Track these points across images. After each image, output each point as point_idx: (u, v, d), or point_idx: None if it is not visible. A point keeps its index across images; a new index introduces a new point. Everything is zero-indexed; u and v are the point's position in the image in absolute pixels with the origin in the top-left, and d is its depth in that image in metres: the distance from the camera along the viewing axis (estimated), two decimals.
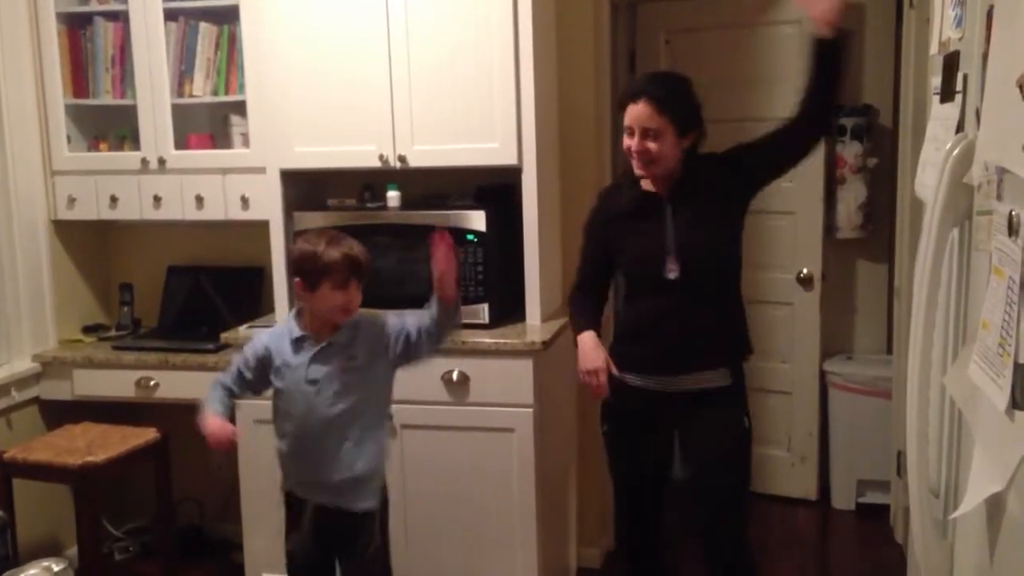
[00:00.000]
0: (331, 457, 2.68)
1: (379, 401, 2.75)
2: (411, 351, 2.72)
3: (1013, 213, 1.25)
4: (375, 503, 2.77)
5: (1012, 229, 1.25)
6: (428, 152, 3.29)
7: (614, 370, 2.64)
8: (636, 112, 2.55)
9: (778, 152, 2.65)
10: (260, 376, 2.73)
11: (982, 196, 1.46)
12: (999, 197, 1.35)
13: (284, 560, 2.89)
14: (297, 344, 2.68)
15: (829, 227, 4.27)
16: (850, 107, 4.22)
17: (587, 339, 2.70)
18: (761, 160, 2.65)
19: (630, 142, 2.57)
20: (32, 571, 3.25)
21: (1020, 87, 1.23)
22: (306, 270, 2.60)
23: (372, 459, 2.73)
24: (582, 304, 2.83)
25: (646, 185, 2.67)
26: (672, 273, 2.57)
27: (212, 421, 2.62)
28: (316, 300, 2.62)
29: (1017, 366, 1.22)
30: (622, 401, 2.72)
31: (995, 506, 1.34)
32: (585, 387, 2.72)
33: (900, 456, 3.69)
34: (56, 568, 3.30)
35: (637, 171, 2.62)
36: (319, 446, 2.69)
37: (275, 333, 2.78)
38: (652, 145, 2.54)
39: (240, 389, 2.75)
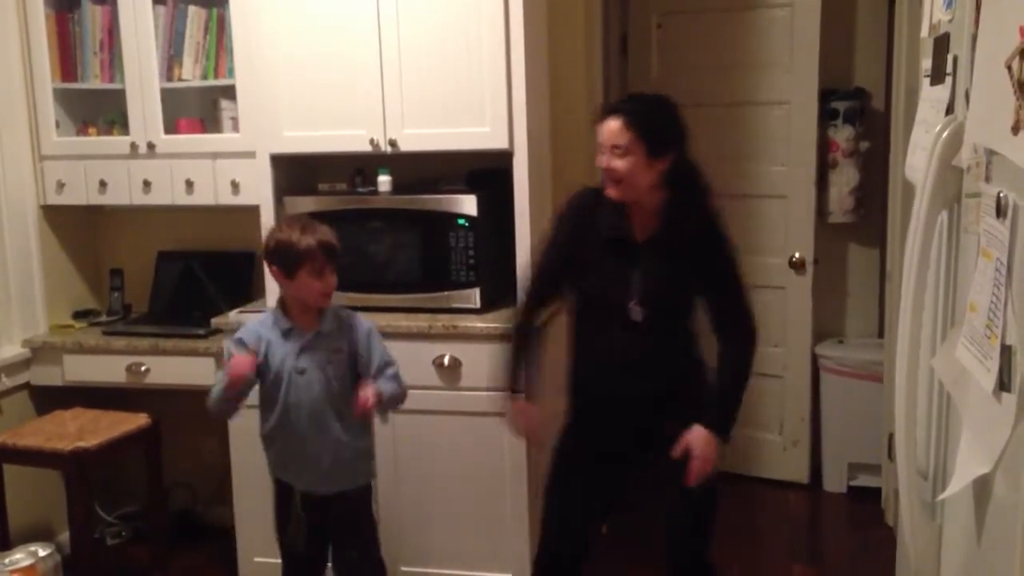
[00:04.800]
0: (322, 443, 2.75)
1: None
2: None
3: (1001, 195, 1.25)
4: (366, 481, 2.87)
5: (1000, 211, 1.25)
6: (419, 136, 3.28)
7: (543, 422, 2.69)
8: (606, 128, 2.46)
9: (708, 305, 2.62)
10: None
11: (971, 178, 1.46)
12: (988, 179, 1.35)
13: (277, 547, 2.91)
14: (285, 335, 2.75)
15: (821, 211, 4.27)
16: (842, 91, 4.21)
17: (517, 408, 2.71)
18: (706, 286, 2.58)
19: (601, 161, 2.48)
20: (18, 555, 3.25)
21: (1009, 68, 1.23)
22: (283, 259, 2.68)
23: (361, 440, 2.85)
24: (522, 341, 2.71)
25: (628, 214, 2.54)
26: (637, 316, 2.52)
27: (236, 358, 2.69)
28: (296, 287, 2.71)
29: (1004, 348, 1.22)
30: (580, 428, 2.70)
31: (982, 488, 1.34)
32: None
33: (891, 439, 3.70)
34: (42, 553, 3.29)
35: (607, 191, 2.50)
36: (310, 433, 2.75)
37: (263, 323, 2.81)
38: (618, 163, 2.42)
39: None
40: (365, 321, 2.90)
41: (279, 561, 3.00)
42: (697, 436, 2.51)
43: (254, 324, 2.84)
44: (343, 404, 2.76)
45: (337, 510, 2.82)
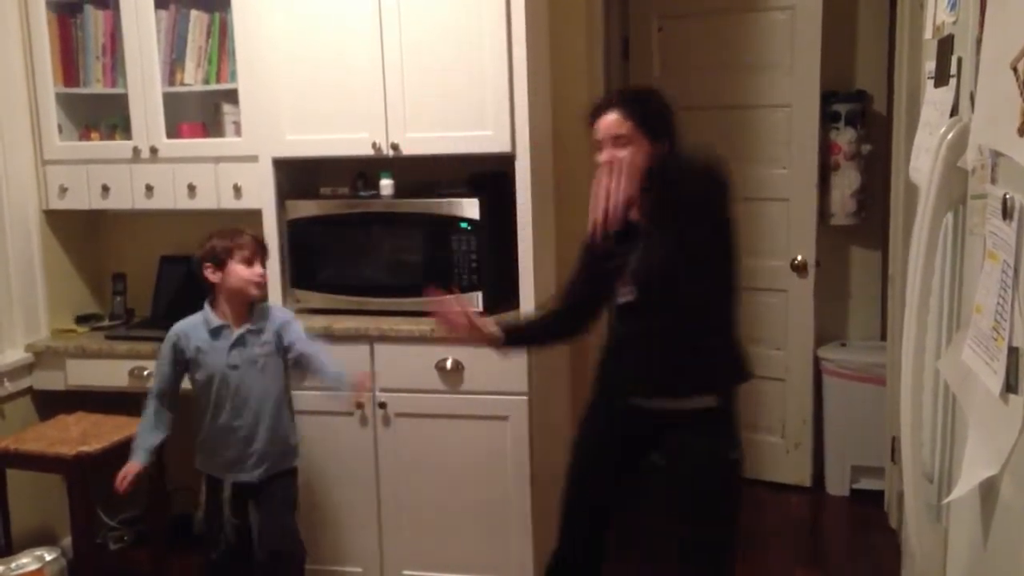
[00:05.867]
0: (255, 432, 3.00)
1: (286, 375, 3.08)
2: (294, 365, 3.08)
3: (1007, 197, 1.25)
4: (292, 465, 3.11)
5: (1006, 213, 1.25)
6: (421, 140, 3.28)
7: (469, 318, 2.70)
8: (603, 123, 2.49)
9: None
10: (182, 367, 3.04)
11: (976, 180, 1.46)
12: (993, 181, 1.35)
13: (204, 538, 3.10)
14: (215, 333, 2.98)
15: (823, 214, 4.26)
16: (844, 93, 4.21)
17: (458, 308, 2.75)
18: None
19: (602, 156, 2.48)
20: (23, 560, 3.26)
21: (1014, 70, 1.23)
22: (213, 254, 2.95)
23: (291, 429, 3.11)
24: (540, 312, 2.86)
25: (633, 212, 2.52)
26: (626, 297, 2.53)
27: (126, 468, 3.02)
28: (228, 278, 2.95)
29: (1011, 350, 1.22)
30: (589, 418, 2.73)
31: (989, 491, 1.34)
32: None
33: (894, 442, 3.70)
34: (48, 557, 3.30)
35: None
36: (244, 425, 2.99)
37: (189, 323, 3.02)
38: (623, 153, 2.45)
39: (173, 383, 3.06)
40: (281, 309, 3.20)
41: None
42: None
43: (178, 326, 3.04)
44: (275, 394, 3.02)
45: (268, 489, 3.02)
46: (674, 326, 2.51)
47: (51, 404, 3.64)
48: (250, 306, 3.02)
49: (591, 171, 3.62)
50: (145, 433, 3.05)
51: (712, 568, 2.55)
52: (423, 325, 3.22)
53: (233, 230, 3.00)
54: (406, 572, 3.35)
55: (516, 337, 2.81)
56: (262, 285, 3.01)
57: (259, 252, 2.99)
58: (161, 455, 3.48)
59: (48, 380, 3.64)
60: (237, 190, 3.51)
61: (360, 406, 3.21)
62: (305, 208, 3.42)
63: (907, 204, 3.51)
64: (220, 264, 2.95)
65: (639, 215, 2.53)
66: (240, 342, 2.98)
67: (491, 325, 2.75)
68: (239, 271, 2.95)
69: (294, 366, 3.07)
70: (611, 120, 2.49)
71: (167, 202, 3.61)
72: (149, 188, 3.60)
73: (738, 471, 2.58)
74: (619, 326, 2.66)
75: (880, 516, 3.98)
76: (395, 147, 3.30)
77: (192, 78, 3.57)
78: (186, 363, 3.02)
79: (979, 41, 1.46)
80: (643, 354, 2.57)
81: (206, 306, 3.02)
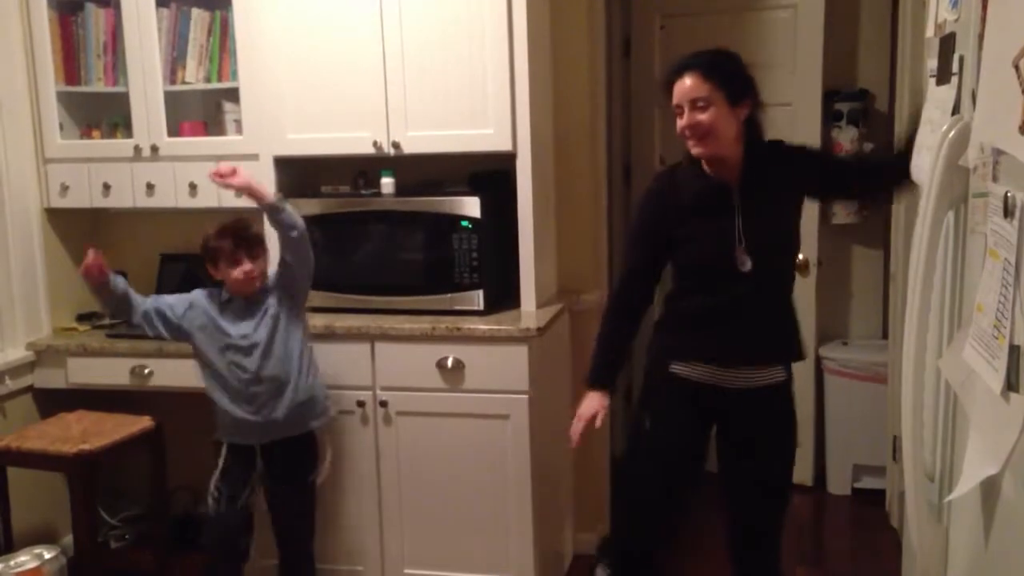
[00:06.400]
0: (273, 396, 3.01)
1: (298, 336, 3.09)
2: (286, 263, 3.07)
3: (1009, 195, 1.25)
4: (324, 419, 3.16)
5: (1008, 211, 1.25)
6: (422, 138, 3.28)
7: (598, 423, 2.62)
8: (682, 87, 2.42)
9: (841, 183, 2.66)
10: (176, 324, 3.06)
11: (978, 178, 1.45)
12: (995, 179, 1.34)
13: (210, 499, 3.08)
14: (224, 306, 3.05)
15: (825, 212, 4.26)
16: (846, 92, 4.21)
17: (592, 397, 2.66)
18: (824, 179, 2.62)
19: (681, 122, 2.44)
20: (23, 558, 3.26)
21: (1016, 68, 1.23)
22: (209, 257, 3.02)
23: (310, 381, 3.10)
24: (616, 333, 2.68)
25: (711, 172, 2.51)
26: (745, 266, 2.47)
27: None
28: (223, 277, 3.02)
29: (1012, 348, 1.21)
30: (671, 392, 2.62)
31: (990, 489, 1.34)
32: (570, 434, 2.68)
33: (896, 441, 3.70)
34: (47, 555, 3.30)
35: (694, 151, 2.46)
36: (261, 390, 3.00)
37: (201, 294, 3.08)
38: (703, 116, 2.39)
39: (150, 313, 3.05)
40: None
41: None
42: None
43: (192, 294, 3.10)
44: (289, 353, 3.03)
45: (294, 450, 3.09)
46: (783, 295, 2.60)
47: (52, 402, 3.64)
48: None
49: (592, 169, 3.65)
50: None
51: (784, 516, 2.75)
52: (423, 323, 3.22)
53: (219, 229, 3.01)
54: (407, 571, 3.35)
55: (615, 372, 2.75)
56: (255, 278, 3.02)
57: (241, 248, 2.99)
58: (163, 453, 3.49)
59: (49, 378, 3.64)
60: None
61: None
62: (306, 207, 3.41)
63: (909, 203, 3.50)
64: (214, 267, 3.02)
65: (735, 179, 2.50)
66: (247, 314, 3.04)
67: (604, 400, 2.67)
68: (228, 274, 3.00)
69: (284, 258, 3.09)
70: (690, 83, 2.42)
71: (168, 200, 3.62)
72: (150, 186, 3.60)
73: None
74: (719, 296, 2.53)
75: (881, 515, 3.98)
76: (396, 145, 3.30)
77: (193, 76, 3.57)
78: (183, 330, 3.07)
79: (981, 39, 1.45)
80: (758, 322, 2.53)
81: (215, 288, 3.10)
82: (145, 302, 3.06)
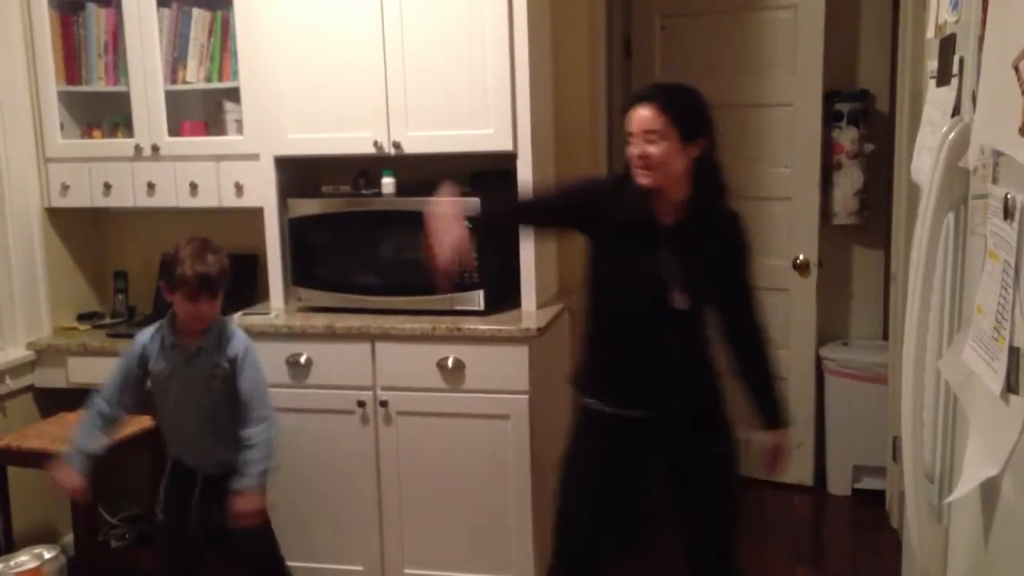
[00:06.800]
0: (209, 446, 2.89)
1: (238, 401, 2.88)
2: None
3: (1008, 196, 1.25)
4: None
5: (1007, 212, 1.25)
6: (423, 138, 3.28)
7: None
8: (637, 116, 2.43)
9: (725, 312, 2.59)
10: (142, 376, 2.91)
11: (978, 180, 1.45)
12: (995, 180, 1.34)
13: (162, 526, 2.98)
14: (170, 349, 2.87)
15: (825, 213, 4.26)
16: (846, 92, 4.21)
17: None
18: (723, 285, 2.57)
19: (632, 149, 2.45)
20: (23, 557, 3.26)
21: (1016, 69, 1.23)
22: (168, 277, 2.82)
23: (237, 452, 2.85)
24: (507, 205, 2.81)
25: (651, 202, 2.50)
26: (680, 304, 2.47)
27: (63, 472, 2.80)
28: (175, 304, 2.84)
29: (1012, 350, 1.21)
30: (598, 428, 2.61)
31: (990, 490, 1.34)
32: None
33: (896, 442, 3.70)
34: (47, 555, 3.30)
35: (639, 180, 2.45)
36: (195, 440, 2.91)
37: (149, 334, 2.92)
38: (653, 149, 2.40)
39: (123, 395, 2.90)
40: (241, 341, 2.92)
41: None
42: (779, 436, 2.61)
43: (142, 335, 2.93)
44: (223, 418, 2.86)
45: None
46: (701, 342, 2.58)
47: (52, 402, 3.64)
48: (205, 329, 2.88)
49: (592, 169, 3.65)
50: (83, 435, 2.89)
51: (734, 542, 2.69)
52: (424, 323, 3.22)
53: (197, 251, 2.80)
54: (407, 571, 3.35)
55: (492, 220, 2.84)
56: (202, 321, 2.84)
57: (204, 290, 2.78)
58: (163, 452, 3.49)
59: (50, 378, 3.64)
60: (239, 188, 3.51)
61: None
62: (307, 206, 3.42)
63: (909, 203, 3.50)
64: (170, 291, 2.83)
65: (673, 216, 2.50)
66: (191, 362, 2.86)
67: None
68: (181, 305, 2.82)
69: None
70: (646, 115, 2.42)
71: (169, 200, 3.62)
72: (151, 186, 3.61)
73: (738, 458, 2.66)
74: (649, 333, 2.52)
75: (881, 516, 3.98)
76: (397, 145, 3.30)
77: (194, 76, 3.57)
78: (146, 370, 2.91)
79: (981, 40, 1.45)
80: (686, 363, 2.56)
81: (166, 320, 2.91)
82: (94, 411, 2.90)
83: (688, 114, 2.45)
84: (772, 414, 2.62)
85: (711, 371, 2.61)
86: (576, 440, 2.65)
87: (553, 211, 2.70)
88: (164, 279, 2.87)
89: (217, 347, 2.87)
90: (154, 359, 2.88)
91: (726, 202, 2.57)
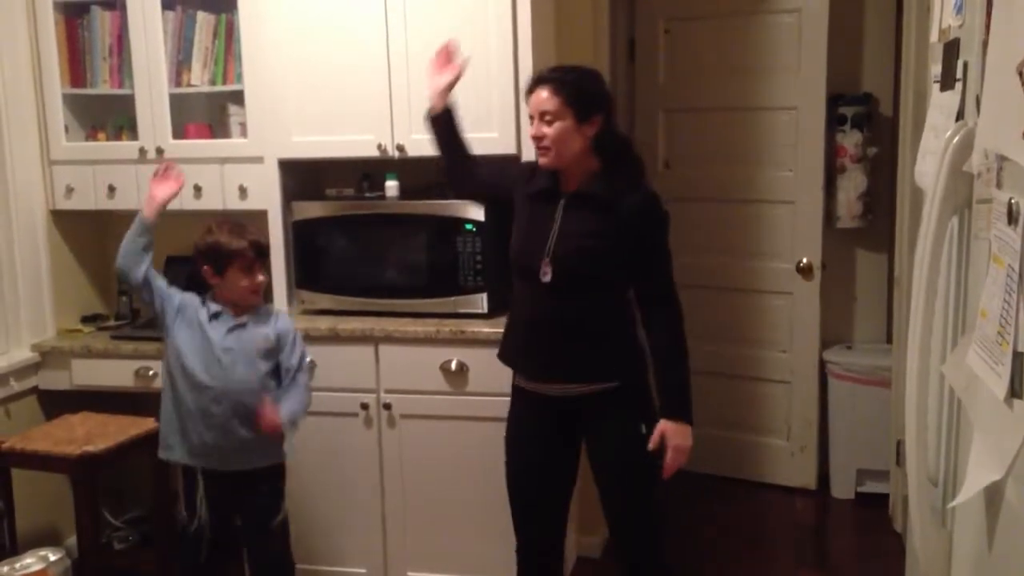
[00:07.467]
0: (231, 423, 2.83)
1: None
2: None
3: (1013, 201, 1.25)
4: (278, 459, 2.94)
5: (1012, 217, 1.25)
6: (427, 141, 3.27)
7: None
8: (535, 98, 2.54)
9: (639, 287, 2.61)
10: (166, 308, 2.91)
11: (982, 184, 1.45)
12: (999, 185, 1.34)
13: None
14: (214, 317, 2.88)
15: (829, 216, 4.26)
16: (850, 96, 4.21)
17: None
18: (633, 268, 2.57)
19: (531, 130, 2.57)
20: (28, 560, 3.26)
21: (1020, 74, 1.23)
22: (214, 258, 2.84)
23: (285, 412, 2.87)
24: (455, 143, 2.89)
25: (557, 179, 2.61)
26: (545, 276, 2.54)
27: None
28: (226, 284, 2.86)
29: (1016, 354, 1.21)
30: (518, 403, 2.75)
31: (994, 494, 1.34)
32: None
33: (899, 445, 3.69)
34: (52, 557, 3.30)
35: (538, 159, 2.57)
36: (222, 412, 2.83)
37: (192, 295, 2.93)
38: (548, 130, 2.51)
39: (155, 279, 2.94)
40: (286, 320, 3.01)
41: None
42: (673, 428, 2.52)
43: (189, 296, 2.94)
44: (263, 388, 2.87)
45: (248, 487, 2.92)
46: (588, 316, 2.58)
47: (56, 404, 3.65)
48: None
49: None
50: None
51: (643, 529, 2.71)
52: (428, 326, 3.22)
53: (232, 228, 2.86)
54: (410, 573, 3.35)
55: (446, 125, 2.87)
56: (259, 291, 2.90)
57: (259, 258, 2.88)
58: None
59: (54, 380, 3.65)
60: (243, 191, 3.51)
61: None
62: (311, 209, 3.42)
63: (913, 207, 3.50)
64: (219, 272, 2.85)
65: (571, 187, 2.58)
66: (237, 329, 2.88)
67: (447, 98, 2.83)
68: (238, 280, 2.85)
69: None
70: (542, 96, 2.52)
71: (173, 203, 3.60)
72: None
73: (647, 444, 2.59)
74: (529, 301, 2.63)
75: (885, 519, 3.97)
76: (400, 148, 3.30)
77: (198, 79, 3.58)
78: (175, 309, 2.91)
79: (985, 45, 1.45)
80: (572, 334, 2.58)
81: (207, 297, 2.93)
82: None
83: (582, 93, 2.52)
84: (669, 400, 2.56)
85: (614, 346, 2.59)
86: (508, 417, 2.78)
87: (479, 169, 2.87)
88: (208, 263, 2.85)
89: (265, 320, 2.93)
90: (196, 315, 2.87)
91: (642, 176, 2.62)
